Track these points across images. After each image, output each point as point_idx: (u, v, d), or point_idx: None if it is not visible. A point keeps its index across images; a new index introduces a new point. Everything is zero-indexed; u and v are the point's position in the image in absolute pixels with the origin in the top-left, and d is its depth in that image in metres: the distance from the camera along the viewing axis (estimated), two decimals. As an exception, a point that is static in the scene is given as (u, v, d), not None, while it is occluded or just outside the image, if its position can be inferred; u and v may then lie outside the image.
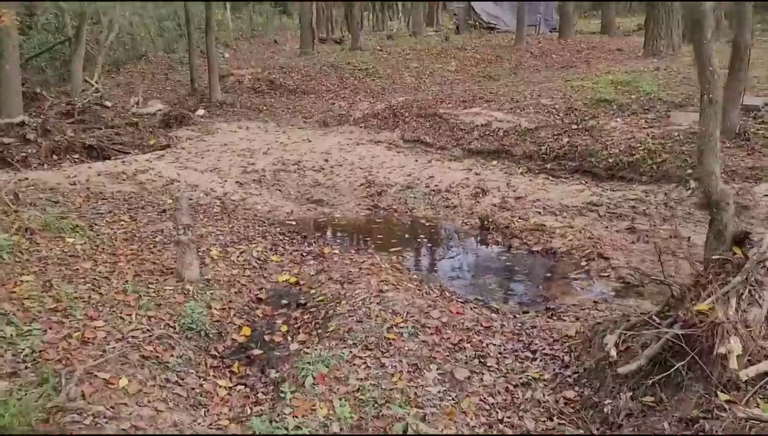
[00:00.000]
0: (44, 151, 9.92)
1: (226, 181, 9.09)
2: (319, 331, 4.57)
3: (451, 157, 9.60)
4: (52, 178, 8.60)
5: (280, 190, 9.08)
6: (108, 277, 5.16)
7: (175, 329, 4.33)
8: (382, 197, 8.49)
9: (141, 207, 7.53)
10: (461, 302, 5.13)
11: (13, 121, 9.96)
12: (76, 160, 10.09)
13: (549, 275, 5.87)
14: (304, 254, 6.46)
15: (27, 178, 8.53)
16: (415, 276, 5.75)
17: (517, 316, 4.65)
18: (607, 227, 6.52)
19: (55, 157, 10.02)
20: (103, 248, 5.92)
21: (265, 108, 14.62)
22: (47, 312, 4.25)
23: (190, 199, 8.24)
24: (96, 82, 12.94)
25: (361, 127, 11.79)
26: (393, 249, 6.81)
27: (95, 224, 6.58)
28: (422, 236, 7.27)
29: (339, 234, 7.40)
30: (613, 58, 19.78)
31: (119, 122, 11.39)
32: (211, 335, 4.56)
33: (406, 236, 7.32)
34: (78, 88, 12.36)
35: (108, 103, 12.00)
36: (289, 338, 4.70)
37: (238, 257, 6.16)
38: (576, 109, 9.58)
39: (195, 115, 14.24)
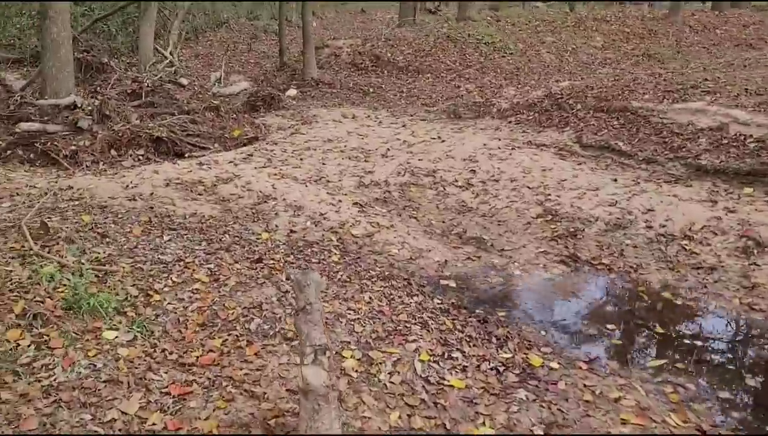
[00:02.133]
0: (100, 144, 7.68)
1: (339, 200, 6.50)
2: None
3: (668, 177, 6.62)
4: (105, 188, 6.28)
5: (415, 218, 6.41)
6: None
7: None
8: (580, 242, 5.67)
9: (225, 248, 5.05)
10: None
11: (62, 103, 7.75)
12: (140, 157, 7.80)
13: None
14: (500, 369, 3.75)
15: (71, 188, 6.26)
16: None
17: None
18: None
19: (113, 152, 7.76)
20: (164, 352, 3.44)
21: (371, 90, 11.98)
22: None
23: (292, 230, 5.72)
24: (170, 54, 10.64)
25: (509, 122, 8.94)
26: (649, 362, 4.00)
27: (153, 289, 4.12)
28: (680, 331, 4.41)
29: (534, 313, 4.64)
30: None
31: (196, 106, 9.04)
32: None
33: (652, 325, 4.47)
34: (147, 60, 10.10)
35: (184, 81, 9.69)
36: None
37: (390, 375, 3.53)
38: None
39: (285, 95, 11.82)
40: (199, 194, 6.40)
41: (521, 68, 12.76)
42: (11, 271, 4.13)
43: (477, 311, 4.51)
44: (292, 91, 12.19)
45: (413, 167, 7.61)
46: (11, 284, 3.87)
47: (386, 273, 5.00)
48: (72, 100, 7.70)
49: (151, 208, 5.90)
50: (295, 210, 6.19)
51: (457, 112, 9.61)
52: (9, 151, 7.39)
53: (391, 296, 4.51)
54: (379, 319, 4.11)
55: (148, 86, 9.00)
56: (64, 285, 3.94)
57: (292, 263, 4.89)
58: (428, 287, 4.85)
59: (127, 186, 6.37)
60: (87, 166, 7.40)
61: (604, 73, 10.78)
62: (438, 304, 4.55)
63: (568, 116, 8.27)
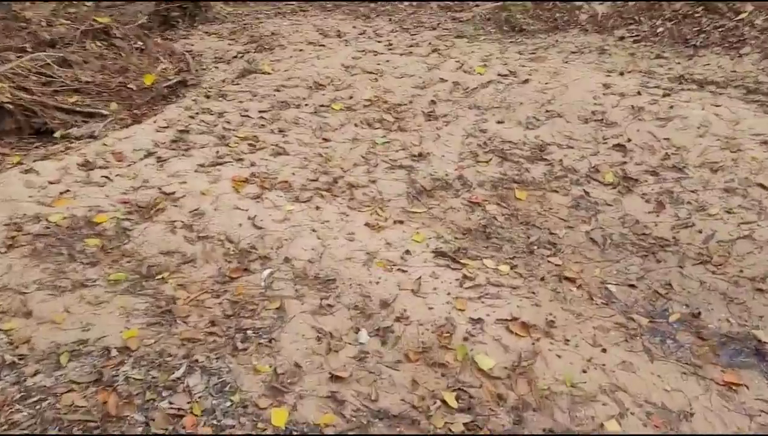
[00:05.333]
0: None
1: (407, 251, 3.18)
2: None
3: None
4: None
5: (568, 278, 3.18)
6: None
7: None
8: None
9: None
10: None
11: None
12: (-42, 152, 4.09)
13: None
14: None
15: None
16: None
17: None
18: None
19: None
20: None
21: (346, -16, 8.21)
22: None
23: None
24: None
25: (620, 38, 5.67)
26: None
27: None
28: None
29: None
30: None
31: (67, 30, 5.18)
32: None
33: None
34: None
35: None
36: None
37: None
38: None
39: (211, -1, 7.91)
40: (91, 264, 2.91)
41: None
42: None
43: None
44: (221, -9, 8.25)
45: (497, 140, 4.30)
46: None
47: None
48: None
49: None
50: (321, 292, 2.84)
51: (514, 23, 6.14)
52: None
53: None
54: None
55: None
56: None
57: None
58: None
59: None
60: None
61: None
62: None
63: (734, 27, 5.04)
